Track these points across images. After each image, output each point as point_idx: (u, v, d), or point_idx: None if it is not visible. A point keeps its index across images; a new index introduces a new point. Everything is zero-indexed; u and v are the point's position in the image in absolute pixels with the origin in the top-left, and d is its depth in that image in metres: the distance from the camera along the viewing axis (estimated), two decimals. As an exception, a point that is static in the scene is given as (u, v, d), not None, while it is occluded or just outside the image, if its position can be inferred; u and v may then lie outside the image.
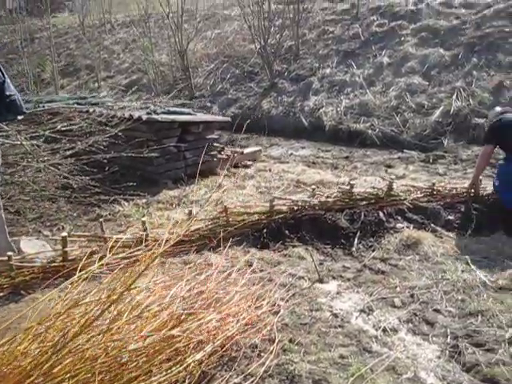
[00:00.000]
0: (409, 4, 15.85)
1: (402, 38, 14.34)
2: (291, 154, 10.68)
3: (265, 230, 6.00)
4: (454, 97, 11.29)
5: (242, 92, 15.90)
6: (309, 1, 19.96)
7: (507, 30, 12.67)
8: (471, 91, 11.30)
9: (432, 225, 5.87)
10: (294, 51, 16.34)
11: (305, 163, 9.69)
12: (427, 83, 12.30)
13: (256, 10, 16.12)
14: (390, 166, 9.09)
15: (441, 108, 11.23)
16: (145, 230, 5.58)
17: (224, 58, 17.65)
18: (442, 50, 13.07)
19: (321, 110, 13.10)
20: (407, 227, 5.85)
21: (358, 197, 6.29)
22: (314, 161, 9.89)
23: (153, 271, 4.07)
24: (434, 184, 6.47)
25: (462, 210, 6.07)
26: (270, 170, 9.16)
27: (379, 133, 11.45)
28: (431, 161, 9.35)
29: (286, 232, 5.97)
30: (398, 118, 11.57)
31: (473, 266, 5.02)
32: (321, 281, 5.04)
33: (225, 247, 5.30)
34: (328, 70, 14.58)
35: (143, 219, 5.75)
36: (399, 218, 6.05)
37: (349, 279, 5.07)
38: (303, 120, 13.23)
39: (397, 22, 15.12)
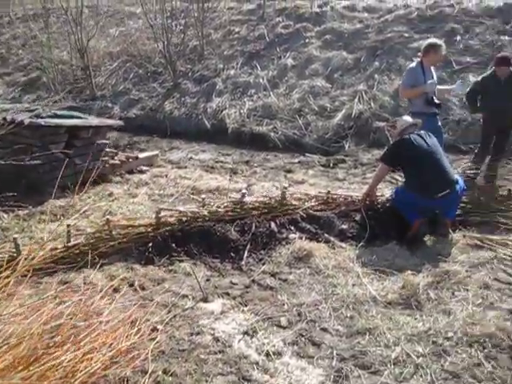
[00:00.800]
0: (314, 7, 15.82)
1: (307, 40, 14.23)
2: (191, 158, 10.24)
3: (150, 244, 5.55)
4: (356, 100, 11.25)
5: (145, 92, 15.26)
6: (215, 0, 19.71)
7: (407, 35, 12.81)
8: (373, 94, 11.30)
9: (325, 235, 5.61)
10: (198, 51, 15.88)
11: (203, 168, 9.28)
12: (330, 86, 12.22)
13: (158, 8, 15.59)
14: (289, 171, 8.84)
15: (343, 111, 11.16)
16: (17, 247, 5.01)
17: (127, 56, 16.88)
18: (345, 53, 13.04)
19: (224, 112, 12.73)
20: (300, 238, 5.55)
21: (250, 206, 5.95)
22: (213, 165, 9.50)
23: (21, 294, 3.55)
24: (328, 192, 6.23)
25: (357, 218, 5.87)
26: (166, 176, 8.67)
27: (282, 136, 11.22)
28: (331, 165, 9.20)
29: (173, 246, 5.53)
30: (300, 121, 11.39)
31: (364, 280, 4.78)
32: (205, 300, 4.64)
33: (106, 264, 4.82)
34: (232, 71, 14.24)
35: (15, 236, 5.17)
36: (292, 228, 5.75)
37: (235, 297, 4.70)
38: (206, 122, 12.81)
39: (302, 24, 15.01)
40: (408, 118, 6.25)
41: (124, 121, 14.13)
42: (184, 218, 5.79)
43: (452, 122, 10.04)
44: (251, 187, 7.76)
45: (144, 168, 9.23)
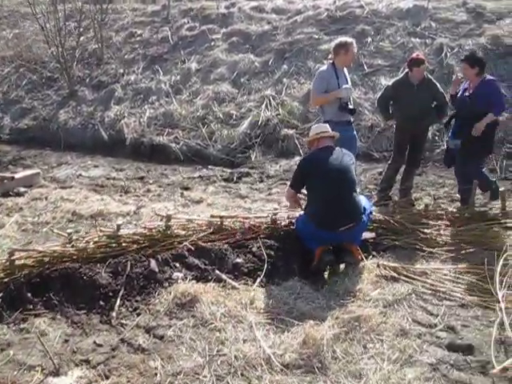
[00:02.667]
0: (220, 7, 14.96)
1: (213, 43, 13.33)
2: (80, 175, 9.06)
3: (0, 295, 4.43)
4: (264, 106, 10.42)
5: (39, 101, 13.86)
6: (119, 1, 18.51)
7: (316, 36, 12.16)
8: (281, 100, 10.51)
9: (216, 272, 4.67)
10: (97, 55, 14.66)
11: (91, 187, 8.15)
12: (236, 91, 11.35)
13: (51, 10, 14.22)
14: (187, 189, 7.84)
15: (249, 118, 10.29)
16: None
17: (21, 61, 15.38)
18: (252, 56, 12.23)
19: (122, 122, 11.60)
20: (185, 277, 4.59)
21: (128, 240, 4.94)
22: (104, 183, 8.38)
23: None
24: (222, 217, 5.31)
25: (254, 249, 4.97)
26: (46, 199, 7.49)
27: (184, 146, 10.24)
28: (235, 179, 8.28)
29: (29, 295, 4.43)
30: (204, 130, 10.44)
31: (257, 333, 3.87)
32: (57, 372, 3.60)
33: None
34: (133, 77, 13.12)
35: None
36: (177, 265, 4.76)
37: (96, 365, 3.67)
38: (103, 133, 11.64)
39: (208, 26, 14.11)
40: (321, 127, 5.40)
41: (15, 132, 12.89)
42: (46, 259, 4.71)
43: (364, 127, 9.38)
44: (140, 210, 6.75)
45: (22, 189, 8.00)
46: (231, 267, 4.78)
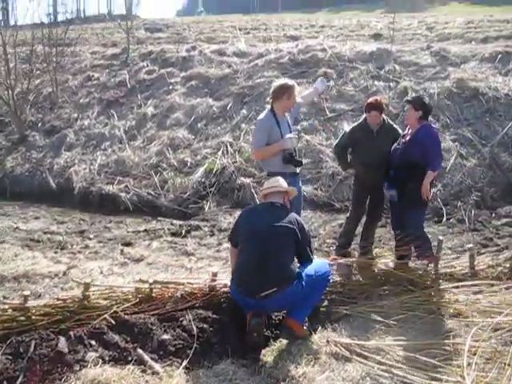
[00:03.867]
0: (181, 51, 14.52)
1: (171, 87, 12.81)
2: (17, 228, 8.25)
3: None
4: (220, 153, 9.82)
5: (-13, 145, 13.16)
6: (80, 44, 18.05)
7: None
8: (238, 146, 9.93)
9: (139, 351, 3.94)
10: (52, 99, 14.03)
11: (25, 242, 7.36)
12: (193, 137, 10.76)
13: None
14: (128, 244, 7.09)
15: (205, 165, 9.67)
16: None
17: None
18: (211, 100, 11.71)
19: (72, 169, 10.91)
20: (101, 359, 3.85)
21: (37, 313, 4.20)
22: (40, 238, 7.58)
23: None
24: (151, 284, 4.59)
25: (185, 323, 4.26)
26: (-31, 256, 6.72)
27: (134, 196, 9.53)
28: (183, 233, 7.56)
29: None
30: (156, 178, 9.77)
31: None
32: None
33: None
34: (87, 122, 12.48)
35: None
36: (93, 342, 4.01)
37: None
38: (50, 181, 10.90)
39: (167, 69, 13.63)
40: (272, 182, 4.77)
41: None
42: None
43: (325, 176, 8.81)
44: (70, 271, 6.00)
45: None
46: (156, 345, 4.05)
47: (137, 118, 12.01)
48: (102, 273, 5.85)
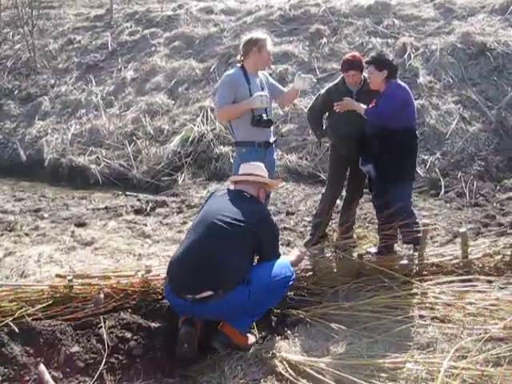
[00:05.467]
0: (168, 10, 13.50)
1: (153, 48, 11.85)
2: (-31, 205, 7.53)
3: None
4: (199, 119, 8.93)
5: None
6: (66, 5, 17.07)
7: (265, 38, 10.74)
8: (219, 111, 9.04)
9: (41, 367, 3.12)
10: (30, 65, 13.14)
11: (-28, 222, 6.64)
12: (173, 102, 9.86)
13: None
14: (82, 225, 6.29)
15: (182, 133, 8.80)
16: None
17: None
18: (194, 62, 10.76)
19: (43, 139, 10.10)
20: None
21: None
22: (-8, 217, 6.86)
23: None
24: (70, 280, 3.78)
25: (101, 331, 3.47)
26: None
27: (105, 168, 8.73)
28: (148, 210, 6.76)
29: None
30: (130, 148, 8.92)
31: None
32: None
33: None
34: (64, 88, 11.60)
35: None
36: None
37: None
38: (21, 152, 10.11)
39: (150, 30, 12.64)
40: (250, 168, 3.92)
41: None
42: None
43: (311, 143, 7.90)
44: (5, 259, 5.22)
45: None
46: (63, 360, 3.27)
47: (116, 82, 11.12)
48: (39, 261, 5.06)
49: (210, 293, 3.21)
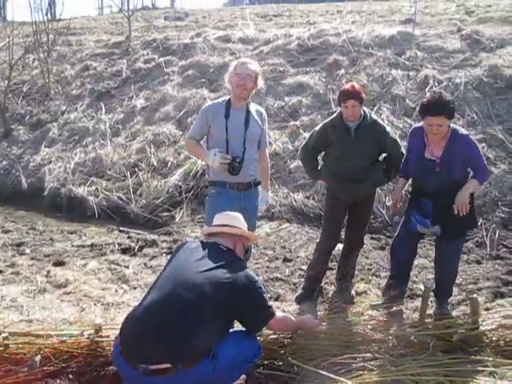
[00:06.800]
0: (185, 38, 13.19)
1: (166, 77, 11.48)
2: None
3: None
4: (204, 152, 8.44)
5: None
6: (88, 32, 17.04)
7: (281, 69, 10.28)
8: (226, 144, 8.54)
9: None
10: (45, 91, 12.89)
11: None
12: (180, 133, 9.39)
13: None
14: (60, 264, 5.74)
15: (185, 166, 8.32)
16: None
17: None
18: (206, 92, 10.33)
19: (46, 168, 9.73)
20: None
21: None
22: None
23: None
24: (6, 338, 3.25)
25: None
26: None
27: (103, 200, 8.26)
28: (136, 249, 6.20)
29: None
30: (131, 181, 8.45)
31: None
32: None
33: None
34: (73, 115, 11.26)
35: None
36: None
37: None
38: (23, 180, 9.74)
39: (166, 58, 12.32)
40: (226, 218, 3.38)
41: None
42: None
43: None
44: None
45: None
46: None
47: (125, 111, 10.74)
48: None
49: (167, 365, 2.65)
